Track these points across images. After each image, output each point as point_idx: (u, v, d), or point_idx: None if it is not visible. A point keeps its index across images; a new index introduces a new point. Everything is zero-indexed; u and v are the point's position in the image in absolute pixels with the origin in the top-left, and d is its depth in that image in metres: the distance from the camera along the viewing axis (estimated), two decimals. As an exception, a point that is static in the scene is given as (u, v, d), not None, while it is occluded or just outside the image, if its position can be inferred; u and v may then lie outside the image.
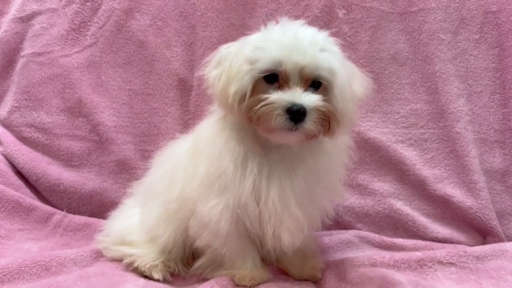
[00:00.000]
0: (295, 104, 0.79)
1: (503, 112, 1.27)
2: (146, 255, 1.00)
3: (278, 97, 0.80)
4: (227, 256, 0.95)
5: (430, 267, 1.06)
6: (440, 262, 1.07)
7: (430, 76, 1.29)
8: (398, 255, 1.08)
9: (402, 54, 1.30)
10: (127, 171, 1.31)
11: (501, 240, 1.21)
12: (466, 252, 1.12)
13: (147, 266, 0.98)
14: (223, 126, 0.90)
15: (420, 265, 1.06)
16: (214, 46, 1.27)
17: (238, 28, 1.30)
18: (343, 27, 1.30)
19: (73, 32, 1.36)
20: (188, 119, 1.31)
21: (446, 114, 1.26)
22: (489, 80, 1.29)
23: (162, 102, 1.32)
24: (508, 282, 1.02)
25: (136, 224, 1.06)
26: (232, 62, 0.85)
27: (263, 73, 0.82)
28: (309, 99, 0.80)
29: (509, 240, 1.22)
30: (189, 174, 0.93)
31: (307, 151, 0.88)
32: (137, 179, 1.18)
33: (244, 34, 1.29)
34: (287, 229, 0.88)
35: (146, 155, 1.30)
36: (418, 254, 1.09)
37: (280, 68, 0.81)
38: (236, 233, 0.91)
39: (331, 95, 0.84)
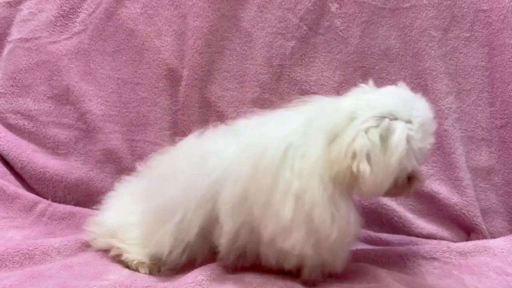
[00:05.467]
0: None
1: (490, 111, 1.28)
2: (135, 253, 0.97)
3: (421, 179, 0.90)
4: None
5: (414, 262, 1.07)
6: (423, 257, 1.08)
7: (420, 73, 1.29)
8: (382, 250, 1.09)
9: (393, 50, 1.30)
10: (114, 161, 1.30)
11: (484, 237, 1.22)
12: (450, 248, 1.14)
13: (134, 262, 0.97)
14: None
15: (403, 260, 1.07)
16: (204, 36, 1.28)
17: (230, 19, 1.29)
18: (335, 21, 1.30)
19: (61, 18, 1.34)
20: (177, 109, 1.29)
21: (435, 111, 1.25)
22: (478, 78, 1.29)
23: (151, 91, 1.31)
24: (490, 278, 1.03)
25: (134, 224, 1.00)
26: (403, 154, 0.82)
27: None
28: None
29: (492, 237, 1.23)
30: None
31: None
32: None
33: (235, 25, 1.30)
34: None
35: (133, 144, 1.29)
36: (402, 249, 1.10)
37: None
38: None
39: None
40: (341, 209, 0.83)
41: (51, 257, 1.00)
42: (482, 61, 1.29)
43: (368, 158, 0.81)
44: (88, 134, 1.31)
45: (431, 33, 1.28)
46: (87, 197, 1.28)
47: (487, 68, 1.29)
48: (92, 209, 1.21)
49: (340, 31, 1.30)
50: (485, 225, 1.23)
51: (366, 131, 0.82)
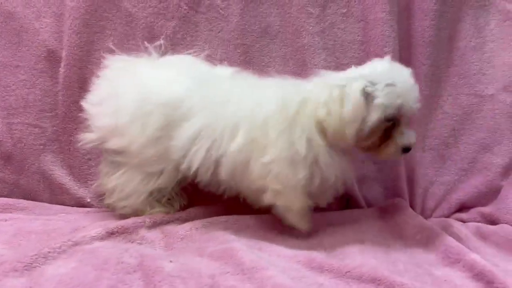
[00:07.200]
0: (409, 146, 1.04)
1: (366, 83, 1.34)
2: None
3: (399, 141, 1.03)
4: None
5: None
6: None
7: (300, 49, 1.33)
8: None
9: (274, 27, 1.33)
10: (-6, 144, 1.28)
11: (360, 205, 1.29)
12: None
13: None
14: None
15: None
16: (82, 17, 1.27)
17: (110, -1, 1.29)
18: (215, 0, 1.32)
19: None
20: (57, 91, 1.28)
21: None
22: (354, 52, 1.34)
23: (30, 74, 1.29)
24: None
25: None
26: (358, 106, 0.98)
27: (387, 118, 1.00)
28: (414, 138, 1.05)
29: (368, 204, 1.30)
30: None
31: None
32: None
33: (115, 6, 1.30)
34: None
35: (13, 128, 1.27)
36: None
37: (400, 113, 1.00)
38: None
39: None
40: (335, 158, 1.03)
41: None
42: (358, 35, 1.34)
43: (327, 108, 0.99)
44: (-32, 119, 1.29)
45: (309, 10, 1.32)
46: (-33, 180, 1.26)
47: (362, 42, 1.34)
48: None
49: (221, 9, 1.32)
50: (360, 192, 1.29)
51: (329, 87, 1.01)
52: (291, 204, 1.04)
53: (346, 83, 1.00)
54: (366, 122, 0.98)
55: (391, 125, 1.01)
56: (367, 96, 0.99)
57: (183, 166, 1.06)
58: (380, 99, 0.98)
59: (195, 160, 1.05)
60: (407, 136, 1.03)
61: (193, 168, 1.05)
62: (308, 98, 1.03)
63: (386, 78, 1.00)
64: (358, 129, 0.98)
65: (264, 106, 1.04)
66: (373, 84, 0.99)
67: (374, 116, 0.98)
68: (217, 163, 1.05)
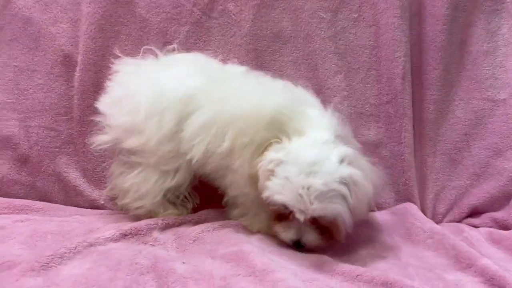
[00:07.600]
0: (296, 242, 0.97)
1: (378, 88, 1.34)
2: None
3: (284, 235, 0.99)
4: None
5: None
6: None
7: (311, 53, 1.34)
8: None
9: (285, 32, 1.35)
10: (11, 147, 1.30)
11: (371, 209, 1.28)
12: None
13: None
14: None
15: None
16: (97, 22, 1.30)
17: (125, 4, 1.31)
18: (228, 5, 1.34)
19: (-44, 8, 1.34)
20: (73, 95, 1.31)
21: (324, 90, 1.32)
22: (366, 57, 1.35)
23: (47, 78, 1.32)
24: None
25: None
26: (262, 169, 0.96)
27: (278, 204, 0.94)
28: (309, 239, 0.97)
29: (379, 208, 1.30)
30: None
31: None
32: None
33: (130, 11, 1.32)
34: None
35: (29, 131, 1.30)
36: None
37: (289, 209, 0.93)
38: None
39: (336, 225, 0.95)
40: None
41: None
42: (369, 40, 1.35)
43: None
44: (-14, 122, 1.32)
45: (321, 15, 1.34)
46: (-16, 184, 1.29)
47: (374, 47, 1.35)
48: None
49: (233, 14, 1.34)
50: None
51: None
52: (254, 215, 1.08)
53: (280, 146, 0.97)
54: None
55: (284, 211, 0.95)
56: (270, 171, 0.95)
57: (188, 157, 1.08)
58: (270, 182, 0.93)
59: (197, 151, 1.06)
60: (297, 233, 0.97)
61: (195, 159, 1.07)
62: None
63: (291, 171, 0.91)
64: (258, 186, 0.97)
65: (247, 113, 1.03)
66: (280, 164, 0.94)
67: (266, 193, 0.94)
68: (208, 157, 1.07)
